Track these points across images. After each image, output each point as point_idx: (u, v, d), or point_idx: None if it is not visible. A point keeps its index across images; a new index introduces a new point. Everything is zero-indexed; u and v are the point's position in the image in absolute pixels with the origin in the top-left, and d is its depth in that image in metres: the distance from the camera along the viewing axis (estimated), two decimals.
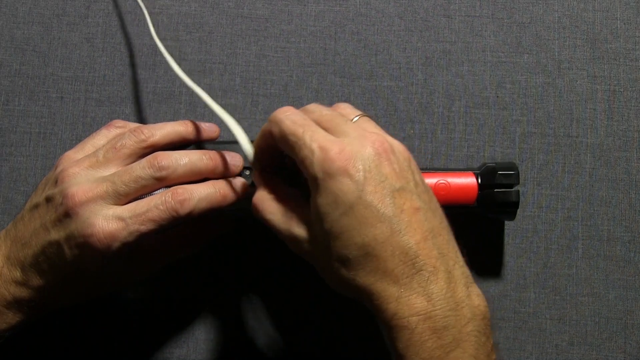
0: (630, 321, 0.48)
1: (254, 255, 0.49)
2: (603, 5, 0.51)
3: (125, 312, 0.48)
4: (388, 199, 0.34)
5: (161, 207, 0.38)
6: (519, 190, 0.44)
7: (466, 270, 0.36)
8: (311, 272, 0.48)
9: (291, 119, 0.37)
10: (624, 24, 0.51)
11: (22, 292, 0.39)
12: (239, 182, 0.41)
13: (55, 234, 0.38)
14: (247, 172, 0.42)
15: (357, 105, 0.50)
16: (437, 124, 0.50)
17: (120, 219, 0.37)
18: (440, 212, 0.37)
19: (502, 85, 0.51)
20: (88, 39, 0.51)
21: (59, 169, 0.40)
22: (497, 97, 0.50)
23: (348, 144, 0.35)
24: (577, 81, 0.51)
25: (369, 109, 0.50)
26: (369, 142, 0.36)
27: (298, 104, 0.50)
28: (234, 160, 0.42)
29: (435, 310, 0.33)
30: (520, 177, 0.44)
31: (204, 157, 0.40)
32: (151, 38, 0.51)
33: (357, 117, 0.39)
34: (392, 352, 0.35)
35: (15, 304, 0.39)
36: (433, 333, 0.33)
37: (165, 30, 0.51)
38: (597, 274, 0.48)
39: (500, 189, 0.44)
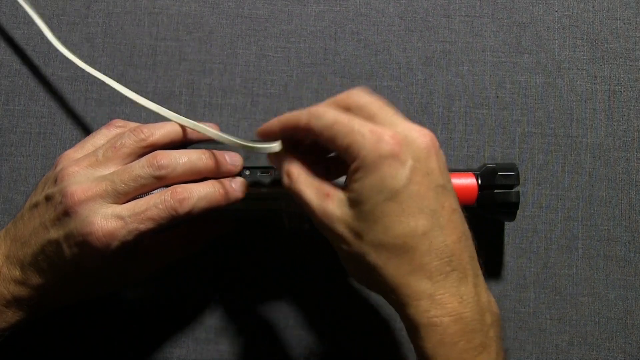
0: (630, 321, 0.48)
1: (254, 255, 0.49)
2: (603, 5, 0.51)
3: (125, 312, 0.48)
4: (432, 192, 0.34)
5: (160, 206, 0.38)
6: (519, 191, 0.44)
7: (483, 279, 0.36)
8: (311, 272, 0.48)
9: (335, 111, 0.36)
10: (624, 24, 0.51)
11: (21, 291, 0.39)
12: (238, 181, 0.41)
13: (55, 233, 0.38)
14: (247, 172, 0.42)
15: None
16: (437, 124, 0.50)
17: (120, 217, 0.37)
18: (461, 211, 0.37)
19: (502, 85, 0.50)
20: (88, 39, 0.51)
21: (58, 168, 0.40)
22: (497, 97, 0.50)
23: (403, 132, 0.35)
24: (577, 81, 0.50)
25: None
26: (420, 134, 0.35)
27: (298, 104, 0.50)
28: (234, 160, 0.42)
29: (466, 312, 0.33)
30: (520, 177, 0.44)
31: (203, 156, 0.40)
32: (151, 38, 0.51)
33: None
34: (418, 352, 0.34)
35: (14, 302, 0.39)
36: (463, 335, 0.33)
37: (165, 30, 0.51)
38: (597, 274, 0.48)
39: (500, 189, 0.44)
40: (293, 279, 0.48)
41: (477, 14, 0.51)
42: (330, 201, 0.36)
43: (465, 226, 0.36)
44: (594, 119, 0.50)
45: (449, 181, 0.36)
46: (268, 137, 0.40)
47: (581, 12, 0.51)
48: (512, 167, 0.44)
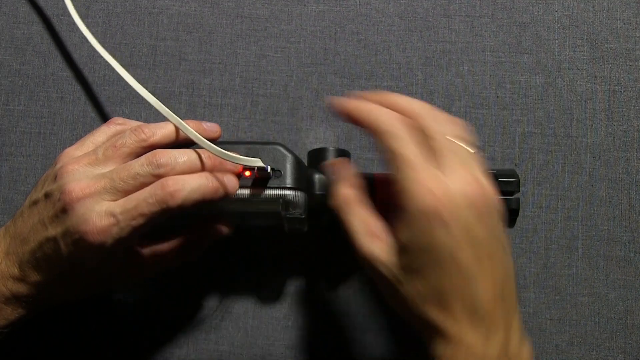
0: (630, 321, 0.48)
1: (254, 256, 0.49)
2: (603, 5, 0.51)
3: (125, 312, 0.48)
4: (474, 258, 0.34)
5: (150, 200, 0.37)
6: (519, 198, 0.44)
7: (520, 318, 0.37)
8: (311, 272, 0.48)
9: (407, 137, 0.36)
10: (624, 24, 0.51)
11: (19, 288, 0.39)
12: (232, 176, 0.41)
13: (53, 230, 0.38)
14: (247, 173, 0.42)
15: None
16: None
17: (112, 214, 0.37)
18: (509, 258, 0.37)
19: (502, 85, 0.50)
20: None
21: (58, 166, 0.40)
22: (497, 97, 0.50)
23: (452, 186, 0.35)
24: (577, 81, 0.50)
25: None
26: (473, 194, 0.35)
27: (298, 104, 0.50)
28: None
29: None
30: (520, 177, 0.44)
31: (203, 155, 0.40)
32: (151, 38, 0.51)
33: (462, 143, 0.37)
34: None
35: (13, 299, 0.39)
36: None
37: (165, 30, 0.51)
38: (597, 274, 0.48)
39: (501, 196, 0.44)
40: (293, 279, 0.48)
41: (477, 14, 0.51)
42: (377, 244, 0.37)
43: (503, 274, 0.36)
44: (594, 119, 0.50)
45: (497, 237, 0.36)
46: (340, 113, 0.39)
47: (581, 12, 0.51)
48: (512, 174, 0.44)
